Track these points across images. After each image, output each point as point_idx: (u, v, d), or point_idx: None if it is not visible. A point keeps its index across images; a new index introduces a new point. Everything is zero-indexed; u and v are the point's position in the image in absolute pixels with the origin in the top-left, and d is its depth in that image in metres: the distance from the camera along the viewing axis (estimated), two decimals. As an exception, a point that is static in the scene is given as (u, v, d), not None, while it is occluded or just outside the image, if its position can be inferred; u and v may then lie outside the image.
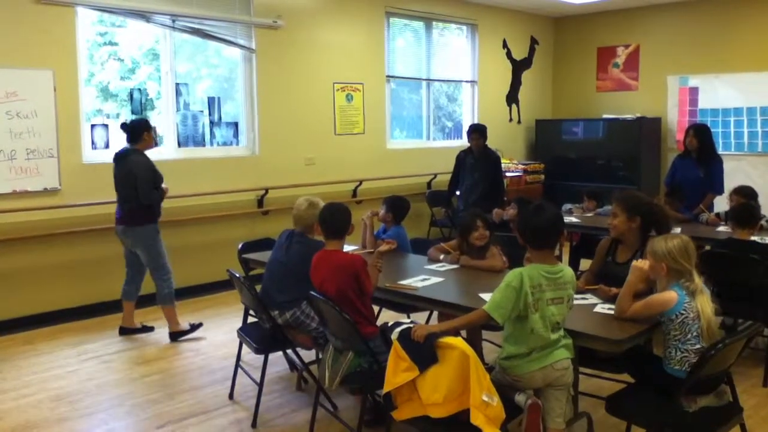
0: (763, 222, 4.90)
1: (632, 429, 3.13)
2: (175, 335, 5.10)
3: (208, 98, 6.59)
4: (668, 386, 2.80)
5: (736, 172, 7.81)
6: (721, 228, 5.22)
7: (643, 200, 3.53)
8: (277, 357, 4.19)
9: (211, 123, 6.60)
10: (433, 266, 4.04)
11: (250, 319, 4.15)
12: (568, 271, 2.83)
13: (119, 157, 5.00)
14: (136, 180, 4.87)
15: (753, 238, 4.47)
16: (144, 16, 5.92)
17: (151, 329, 5.27)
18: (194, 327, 5.21)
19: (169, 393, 4.10)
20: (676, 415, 2.73)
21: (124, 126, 5.02)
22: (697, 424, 2.74)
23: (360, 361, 3.17)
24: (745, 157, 8.28)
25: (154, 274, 5.09)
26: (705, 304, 2.84)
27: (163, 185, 5.10)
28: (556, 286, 2.75)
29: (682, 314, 2.82)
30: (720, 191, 5.86)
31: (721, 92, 8.49)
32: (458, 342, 2.64)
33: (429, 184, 8.34)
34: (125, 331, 5.20)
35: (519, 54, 9.46)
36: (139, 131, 4.98)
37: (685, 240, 2.93)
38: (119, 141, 6.01)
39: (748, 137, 8.33)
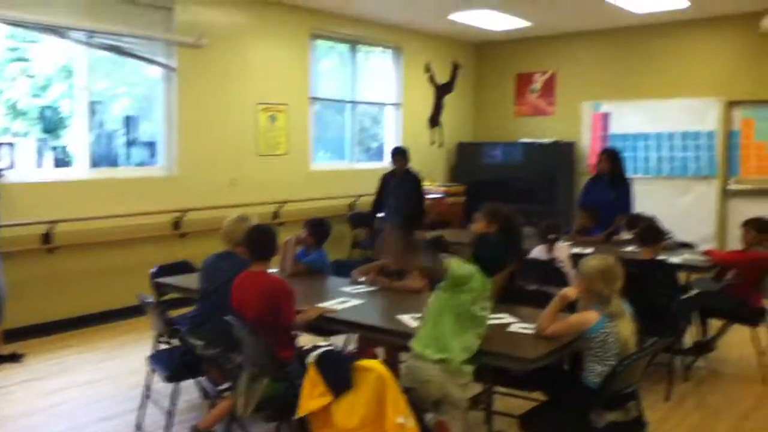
0: (668, 241, 5.14)
1: (545, 446, 3.19)
2: None
3: (126, 117, 6.40)
4: (581, 402, 2.87)
5: (645, 195, 8.16)
6: (629, 248, 5.41)
7: (502, 210, 3.96)
8: (189, 384, 4.06)
9: (128, 142, 6.40)
10: (353, 288, 4.04)
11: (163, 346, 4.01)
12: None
13: None
14: None
15: (659, 257, 4.66)
16: (58, 32, 5.68)
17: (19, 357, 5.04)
18: (10, 358, 4.99)
19: (76, 424, 3.92)
20: (587, 430, 2.81)
21: None
22: (606, 438, 2.82)
23: (276, 386, 3.11)
24: (655, 181, 8.70)
25: None
26: (624, 327, 2.91)
27: None
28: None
29: (603, 333, 2.89)
30: (629, 213, 6.12)
31: (631, 118, 8.89)
32: (375, 365, 2.63)
33: (351, 206, 8.35)
34: None
35: (442, 78, 9.64)
36: None
37: (609, 263, 2.96)
38: (25, 160, 5.78)
39: (656, 161, 8.76)
